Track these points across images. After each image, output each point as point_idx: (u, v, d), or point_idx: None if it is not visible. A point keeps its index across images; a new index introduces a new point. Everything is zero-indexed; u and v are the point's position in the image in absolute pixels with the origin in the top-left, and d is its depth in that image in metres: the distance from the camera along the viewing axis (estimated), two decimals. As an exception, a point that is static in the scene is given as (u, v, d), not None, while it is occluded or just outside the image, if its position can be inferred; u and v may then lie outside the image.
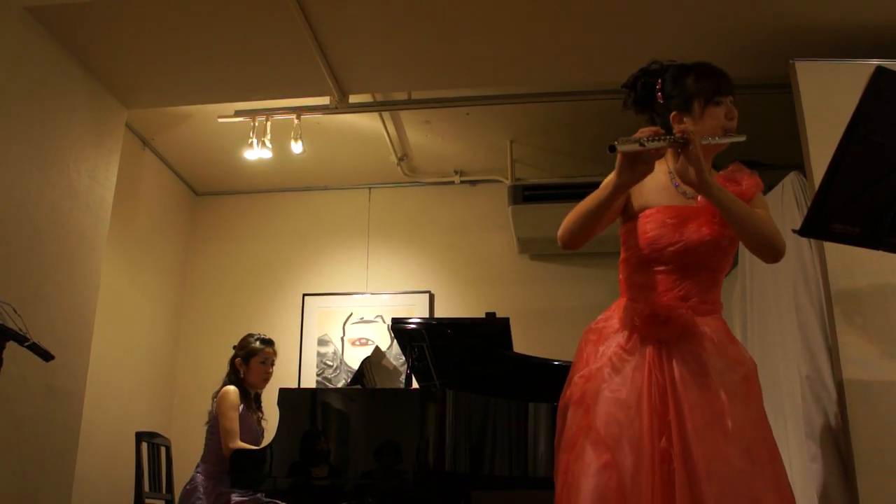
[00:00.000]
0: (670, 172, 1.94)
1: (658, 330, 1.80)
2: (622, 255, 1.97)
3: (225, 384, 3.59)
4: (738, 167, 1.94)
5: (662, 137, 1.70)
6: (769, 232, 1.81)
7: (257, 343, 3.68)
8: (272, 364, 3.72)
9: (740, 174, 1.92)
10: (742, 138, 1.86)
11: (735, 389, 1.76)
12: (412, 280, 5.01)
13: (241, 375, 3.63)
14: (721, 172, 1.95)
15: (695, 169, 1.72)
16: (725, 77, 1.95)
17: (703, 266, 1.87)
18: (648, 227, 1.89)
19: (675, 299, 1.83)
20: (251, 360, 3.65)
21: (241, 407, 3.53)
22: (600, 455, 1.73)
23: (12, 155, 3.00)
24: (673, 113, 1.93)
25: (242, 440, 3.44)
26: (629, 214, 1.95)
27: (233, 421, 3.44)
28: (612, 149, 1.67)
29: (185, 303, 5.10)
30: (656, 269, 1.88)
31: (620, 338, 1.85)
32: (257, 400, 3.74)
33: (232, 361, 3.68)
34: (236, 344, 3.72)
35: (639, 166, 1.73)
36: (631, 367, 1.81)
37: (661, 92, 1.96)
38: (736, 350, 1.85)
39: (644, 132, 1.71)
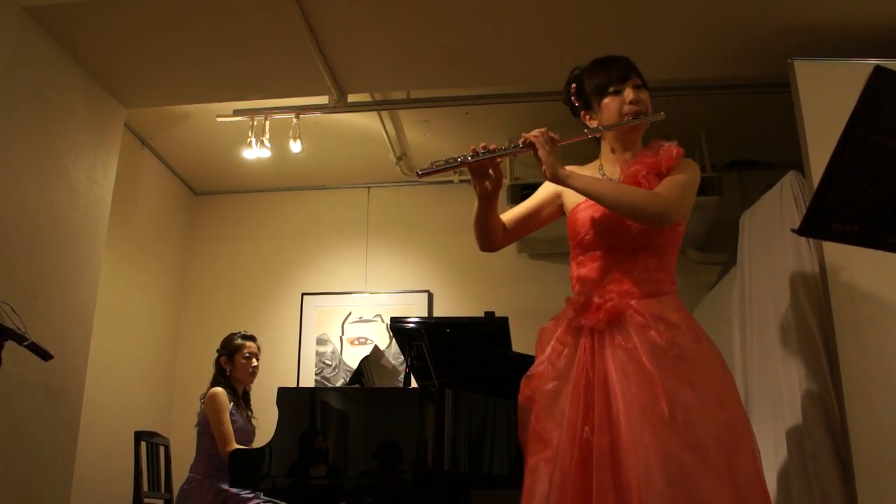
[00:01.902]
0: (601, 168, 2.01)
1: (589, 318, 1.83)
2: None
3: (211, 386, 3.61)
4: (657, 142, 1.96)
5: (500, 150, 1.85)
6: (634, 200, 1.81)
7: (238, 339, 3.75)
8: (256, 358, 3.77)
9: (655, 147, 1.94)
10: (659, 117, 1.91)
11: (674, 371, 1.71)
12: (411, 279, 5.01)
13: (228, 373, 3.68)
14: (644, 148, 1.98)
15: (546, 168, 1.82)
16: (618, 65, 1.96)
17: (635, 246, 1.87)
18: (577, 216, 1.97)
19: (610, 283, 1.86)
20: (235, 356, 3.70)
21: (230, 406, 3.55)
22: (543, 450, 1.77)
23: (11, 155, 3.00)
24: (582, 113, 2.02)
25: (234, 440, 3.45)
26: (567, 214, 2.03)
27: (225, 424, 3.47)
28: (418, 174, 1.87)
29: (183, 302, 5.10)
30: (591, 255, 1.92)
31: (559, 331, 1.90)
32: (245, 398, 3.77)
33: (217, 361, 3.72)
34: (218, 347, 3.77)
35: (484, 178, 1.91)
36: (565, 360, 1.84)
37: (575, 97, 2.06)
38: (682, 333, 1.78)
39: (471, 149, 1.86)
